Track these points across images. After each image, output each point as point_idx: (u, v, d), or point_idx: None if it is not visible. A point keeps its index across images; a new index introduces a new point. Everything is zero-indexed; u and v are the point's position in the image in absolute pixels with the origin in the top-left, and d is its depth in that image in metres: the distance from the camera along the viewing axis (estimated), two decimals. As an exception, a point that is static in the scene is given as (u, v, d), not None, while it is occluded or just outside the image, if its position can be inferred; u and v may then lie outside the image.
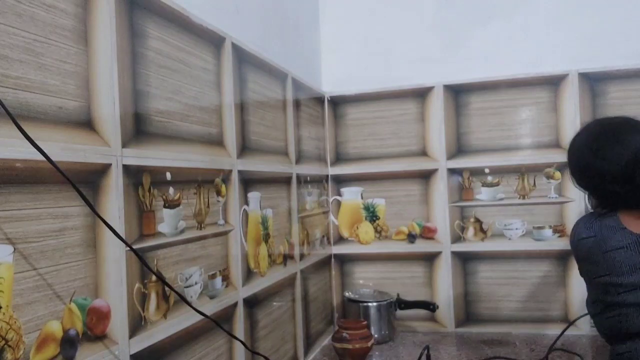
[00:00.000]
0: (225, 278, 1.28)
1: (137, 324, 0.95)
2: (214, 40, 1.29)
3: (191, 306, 1.04)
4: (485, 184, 2.08)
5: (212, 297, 1.21)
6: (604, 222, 1.21)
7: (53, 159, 0.75)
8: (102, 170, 0.89)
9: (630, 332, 1.14)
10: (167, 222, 1.06)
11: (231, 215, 1.32)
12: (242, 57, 1.44)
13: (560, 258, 2.00)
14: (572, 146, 1.33)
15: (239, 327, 1.32)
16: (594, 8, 1.99)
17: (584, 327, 1.96)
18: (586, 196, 1.93)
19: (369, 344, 1.75)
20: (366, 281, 2.20)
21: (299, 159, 1.85)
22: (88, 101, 0.87)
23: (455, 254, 2.10)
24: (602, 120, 1.37)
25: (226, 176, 1.31)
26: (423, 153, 2.15)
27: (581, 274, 1.30)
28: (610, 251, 1.16)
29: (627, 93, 1.95)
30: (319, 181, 2.10)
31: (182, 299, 1.04)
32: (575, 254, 1.30)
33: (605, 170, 1.20)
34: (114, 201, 0.90)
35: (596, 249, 1.19)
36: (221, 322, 1.17)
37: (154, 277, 0.99)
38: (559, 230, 2.00)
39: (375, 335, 1.91)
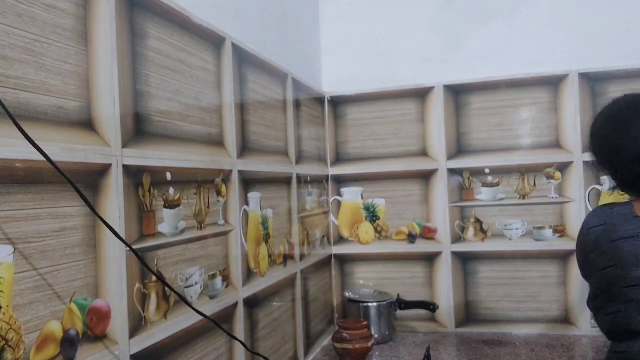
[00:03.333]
0: (225, 278, 1.28)
1: (137, 324, 0.95)
2: (214, 40, 1.29)
3: (191, 306, 1.04)
4: (485, 184, 2.08)
5: (212, 297, 1.21)
6: (615, 210, 1.14)
7: (53, 159, 0.75)
8: (102, 170, 0.89)
9: (630, 329, 1.08)
10: (167, 222, 1.06)
11: (231, 215, 1.32)
12: (242, 57, 1.44)
13: (560, 258, 2.00)
14: (597, 119, 1.23)
15: (239, 327, 1.32)
16: (594, 8, 1.99)
17: (584, 327, 1.96)
18: (587, 194, 1.93)
19: (369, 344, 1.75)
20: (366, 281, 2.20)
21: (299, 159, 1.85)
22: (88, 101, 0.87)
23: (455, 254, 2.10)
24: (628, 95, 1.23)
25: (226, 176, 1.31)
26: (423, 153, 2.15)
27: (585, 270, 1.22)
28: (618, 240, 1.09)
29: (627, 93, 1.95)
30: (319, 181, 2.10)
31: (182, 299, 1.04)
32: (583, 246, 1.20)
33: (625, 147, 1.11)
34: (114, 201, 0.90)
35: (604, 238, 1.12)
36: (221, 322, 1.17)
37: (154, 277, 0.99)
38: (559, 230, 2.00)
39: (375, 335, 1.91)
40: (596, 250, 1.14)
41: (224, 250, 1.28)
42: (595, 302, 1.17)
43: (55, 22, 0.80)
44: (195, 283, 1.15)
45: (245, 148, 1.43)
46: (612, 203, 1.18)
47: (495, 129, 2.07)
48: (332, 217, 2.23)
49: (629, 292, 1.07)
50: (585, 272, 1.23)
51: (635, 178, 1.12)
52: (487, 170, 2.07)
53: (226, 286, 1.28)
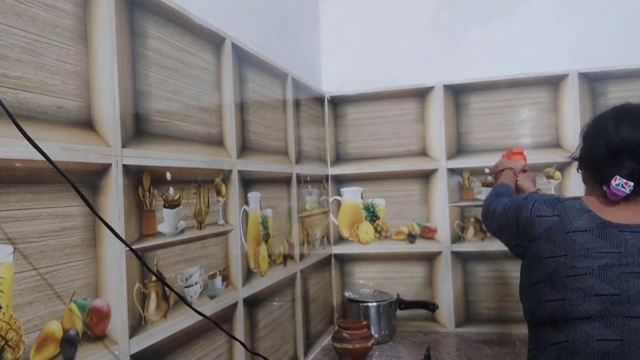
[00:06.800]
0: (225, 278, 1.28)
1: (137, 324, 0.95)
2: (214, 40, 1.29)
3: (191, 307, 1.04)
4: (485, 184, 2.08)
5: (212, 297, 1.21)
6: (567, 204, 1.18)
7: (53, 159, 0.75)
8: (102, 170, 0.89)
9: (572, 317, 1.10)
10: (167, 222, 1.06)
11: (231, 215, 1.32)
12: (242, 57, 1.44)
13: (560, 258, 2.00)
14: (599, 115, 1.27)
15: (239, 327, 1.32)
16: (594, 8, 1.99)
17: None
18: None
19: (369, 344, 1.75)
20: (366, 281, 2.20)
21: (299, 159, 1.85)
22: (88, 101, 0.87)
23: (455, 254, 2.10)
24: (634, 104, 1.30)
25: (226, 176, 1.31)
26: (423, 153, 2.15)
27: (523, 253, 1.24)
28: (573, 232, 1.13)
29: (627, 93, 1.95)
30: (319, 181, 2.10)
31: (182, 300, 1.04)
32: (528, 230, 1.21)
33: (613, 142, 1.14)
34: (114, 201, 0.90)
35: (559, 229, 1.15)
36: (221, 322, 1.17)
37: (154, 277, 0.99)
38: (559, 230, 2.00)
39: (375, 335, 1.91)
40: (546, 238, 1.17)
41: (224, 250, 1.28)
42: (536, 288, 1.19)
43: (55, 22, 0.80)
44: (195, 283, 1.15)
45: (245, 148, 1.43)
46: (557, 197, 1.23)
47: (495, 129, 2.07)
48: (332, 217, 2.23)
49: (574, 281, 1.11)
50: (522, 251, 1.25)
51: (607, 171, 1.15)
52: (487, 170, 2.07)
53: (226, 286, 1.28)
